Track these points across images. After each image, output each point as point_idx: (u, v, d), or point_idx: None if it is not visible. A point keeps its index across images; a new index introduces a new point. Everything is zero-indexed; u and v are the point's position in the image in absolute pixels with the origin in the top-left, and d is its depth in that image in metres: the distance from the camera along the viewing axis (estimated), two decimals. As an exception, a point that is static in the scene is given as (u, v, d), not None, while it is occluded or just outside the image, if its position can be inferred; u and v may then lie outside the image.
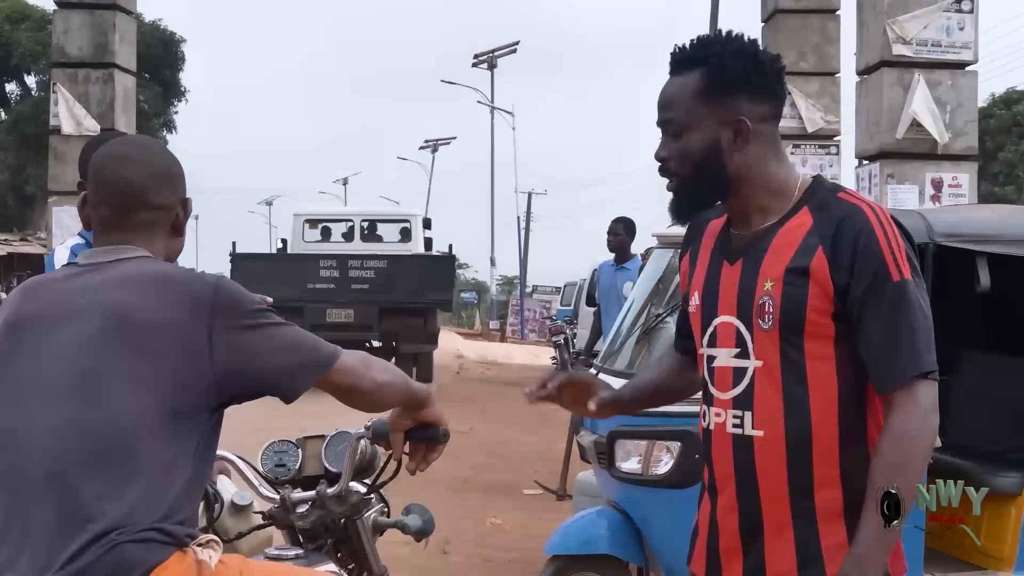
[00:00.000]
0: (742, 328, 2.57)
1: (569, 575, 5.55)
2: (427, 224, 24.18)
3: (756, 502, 2.55)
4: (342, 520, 3.11)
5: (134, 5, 17.42)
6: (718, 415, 2.62)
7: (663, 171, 2.66)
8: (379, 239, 23.45)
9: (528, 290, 54.21)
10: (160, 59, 40.04)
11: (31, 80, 43.41)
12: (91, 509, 2.14)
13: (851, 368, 2.51)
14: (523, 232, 57.82)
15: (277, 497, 3.12)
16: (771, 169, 2.62)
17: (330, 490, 3.08)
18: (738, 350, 2.58)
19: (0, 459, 2.25)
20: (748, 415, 2.55)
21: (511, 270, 68.15)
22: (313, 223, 23.57)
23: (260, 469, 3.23)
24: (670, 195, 2.69)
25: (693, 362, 2.84)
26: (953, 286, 5.18)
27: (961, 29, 13.03)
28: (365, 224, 23.45)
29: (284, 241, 23.50)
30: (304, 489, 3.17)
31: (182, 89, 44.12)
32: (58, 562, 2.11)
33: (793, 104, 15.71)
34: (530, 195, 61.23)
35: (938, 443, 5.01)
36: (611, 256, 10.98)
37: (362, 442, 3.12)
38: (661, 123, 2.65)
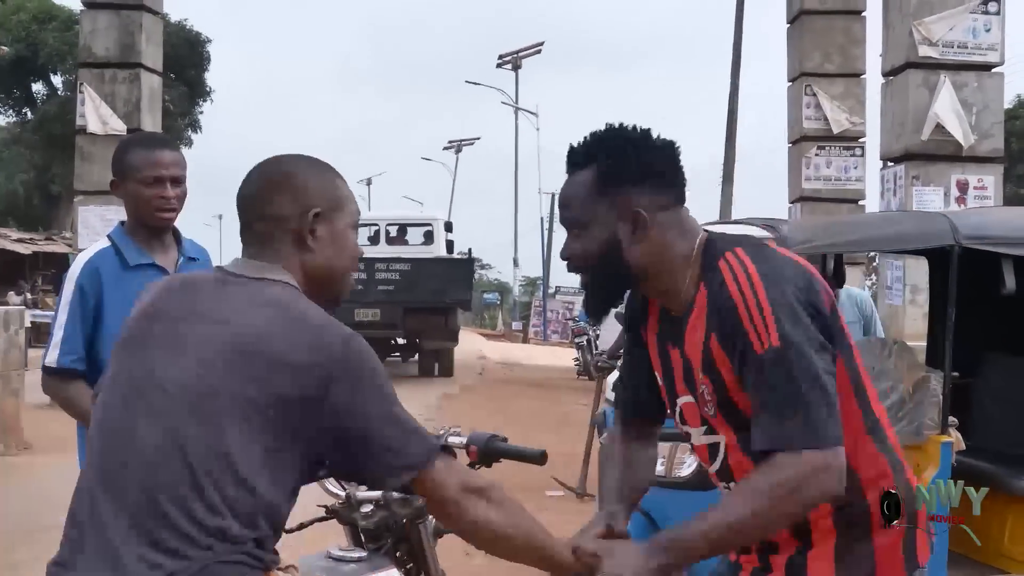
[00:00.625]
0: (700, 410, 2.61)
1: (591, 576, 5.55)
2: (448, 227, 25.67)
3: (765, 551, 2.62)
4: (404, 521, 3.10)
5: (161, 5, 17.54)
6: (718, 484, 2.69)
7: (570, 268, 2.67)
8: (404, 242, 25.02)
9: (551, 291, 54.20)
10: (186, 59, 40.19)
11: (57, 80, 43.68)
12: (186, 529, 2.12)
13: None
14: (546, 233, 57.83)
15: (342, 493, 3.11)
16: (673, 251, 2.57)
17: (396, 492, 3.05)
18: (705, 427, 2.62)
19: (110, 455, 2.24)
20: (733, 485, 2.59)
21: (534, 271, 68.33)
22: None
23: None
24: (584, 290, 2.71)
25: (645, 429, 2.89)
26: (978, 288, 5.17)
27: (987, 31, 12.99)
28: (390, 228, 24.99)
29: None
30: (370, 488, 3.16)
31: (207, 89, 44.30)
32: None
33: (818, 105, 15.70)
34: (553, 196, 61.21)
35: (962, 446, 5.04)
36: None
37: None
38: (562, 222, 2.66)
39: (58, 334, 3.85)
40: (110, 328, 3.80)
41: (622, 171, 2.54)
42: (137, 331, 2.36)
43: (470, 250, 24.52)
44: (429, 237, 24.90)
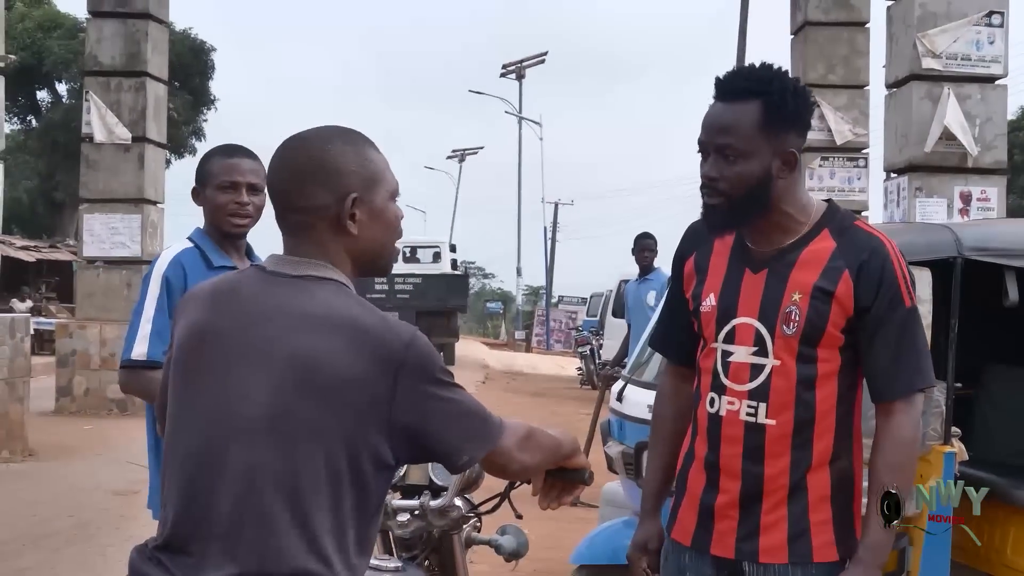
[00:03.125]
0: (763, 330, 2.86)
1: (595, 585, 5.57)
2: (453, 248, 35.82)
3: (759, 481, 2.84)
4: (437, 532, 3.11)
5: (167, 14, 17.59)
6: (731, 403, 2.89)
7: (710, 189, 2.85)
8: (417, 260, 33.58)
9: (554, 300, 54.27)
10: (190, 67, 40.14)
11: (62, 88, 43.66)
12: (266, 563, 2.10)
13: (849, 372, 2.87)
14: (549, 242, 57.90)
15: None
16: (800, 193, 2.90)
17: (434, 503, 3.07)
18: (756, 348, 2.86)
19: (195, 478, 2.20)
20: (763, 406, 2.85)
21: (537, 280, 68.36)
22: None
23: None
24: (709, 208, 2.89)
25: (689, 373, 3.10)
26: (980, 300, 5.19)
27: (991, 43, 13.01)
28: (406, 250, 32.74)
29: None
30: (404, 496, 3.17)
31: (212, 97, 44.22)
32: None
33: (822, 116, 15.70)
34: (557, 205, 61.38)
35: (965, 456, 5.06)
36: (635, 273, 10.96)
37: None
38: (717, 146, 2.82)
39: (145, 327, 3.76)
40: None
41: (787, 112, 2.80)
42: (197, 355, 2.28)
43: (465, 267, 31.03)
44: (437, 256, 34.16)
